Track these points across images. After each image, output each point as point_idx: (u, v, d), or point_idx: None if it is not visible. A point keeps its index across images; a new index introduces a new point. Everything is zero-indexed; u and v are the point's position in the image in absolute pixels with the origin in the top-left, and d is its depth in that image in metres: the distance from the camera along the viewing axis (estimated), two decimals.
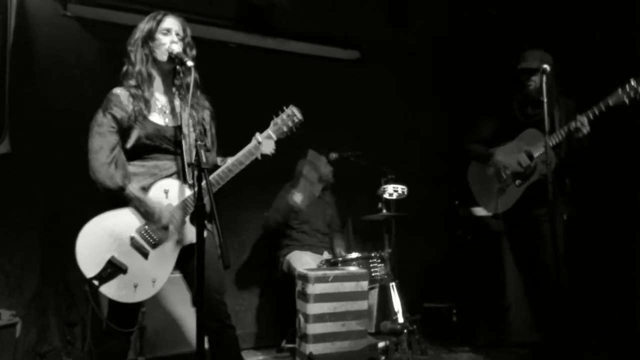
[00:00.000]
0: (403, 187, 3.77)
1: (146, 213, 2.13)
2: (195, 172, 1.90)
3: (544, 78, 2.70)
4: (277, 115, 2.26)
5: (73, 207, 3.17)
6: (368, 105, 4.49)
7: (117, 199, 2.13)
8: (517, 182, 3.12)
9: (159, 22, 2.21)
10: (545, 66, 2.74)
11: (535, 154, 3.03)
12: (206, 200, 1.91)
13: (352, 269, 3.35)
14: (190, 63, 2.06)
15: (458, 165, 3.59)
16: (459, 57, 4.75)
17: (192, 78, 2.01)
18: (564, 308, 2.89)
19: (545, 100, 2.65)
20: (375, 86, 4.53)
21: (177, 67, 2.16)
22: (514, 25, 4.41)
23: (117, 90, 2.19)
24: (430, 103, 4.65)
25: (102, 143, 2.13)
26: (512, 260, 3.62)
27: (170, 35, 2.20)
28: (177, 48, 2.16)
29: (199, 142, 1.92)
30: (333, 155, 3.87)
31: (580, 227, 3.53)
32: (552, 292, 2.94)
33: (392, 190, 3.75)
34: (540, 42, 3.19)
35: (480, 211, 4.10)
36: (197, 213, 1.90)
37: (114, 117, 2.15)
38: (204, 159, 1.89)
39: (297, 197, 3.64)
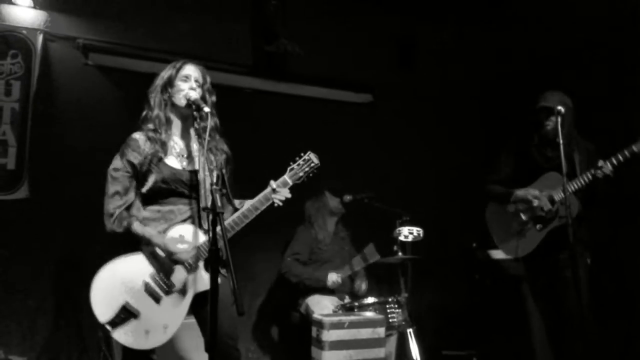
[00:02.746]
0: (418, 229, 3.72)
1: (155, 246, 2.12)
2: (210, 217, 1.90)
3: (559, 119, 2.69)
4: (294, 161, 2.28)
5: (88, 252, 3.17)
6: (382, 147, 4.52)
7: (129, 241, 2.14)
8: (538, 226, 3.06)
9: (178, 70, 2.28)
10: (560, 108, 2.74)
11: (557, 198, 2.98)
12: (221, 245, 1.90)
13: (369, 314, 3.26)
14: (207, 109, 2.10)
15: (474, 207, 3.55)
16: (470, 98, 4.79)
17: (209, 123, 2.05)
18: (588, 354, 2.77)
19: (561, 142, 2.64)
20: (389, 128, 4.57)
21: (195, 112, 2.20)
22: (525, 67, 4.45)
23: (136, 135, 2.24)
24: (444, 144, 4.67)
25: (117, 188, 2.17)
26: (533, 305, 3.51)
27: (189, 82, 2.26)
28: (194, 94, 2.21)
29: (214, 187, 1.93)
30: (347, 198, 3.85)
31: (604, 271, 3.43)
32: (576, 337, 2.82)
33: (408, 233, 3.70)
34: (551, 83, 3.20)
35: (498, 254, 4.02)
36: (212, 258, 1.89)
37: (130, 162, 2.19)
38: (219, 204, 1.90)
39: (333, 278, 3.62)
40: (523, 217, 3.10)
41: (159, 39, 3.83)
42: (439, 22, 4.78)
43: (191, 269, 2.15)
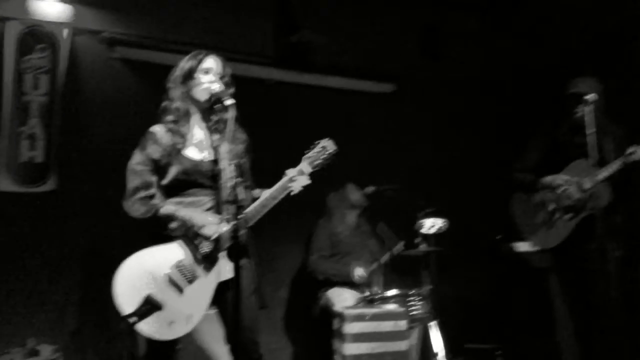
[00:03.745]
0: (442, 221, 3.68)
1: (184, 223, 2.13)
2: (232, 209, 1.91)
3: (589, 107, 2.63)
4: (310, 149, 2.26)
5: (114, 243, 3.23)
6: (405, 137, 4.47)
7: (156, 225, 2.15)
8: (568, 216, 2.99)
9: (199, 62, 2.26)
10: (589, 96, 2.66)
11: (587, 186, 2.90)
12: (242, 236, 1.91)
13: (390, 307, 3.26)
14: (229, 101, 2.10)
15: (499, 198, 3.49)
16: (495, 87, 4.69)
17: (231, 116, 2.05)
18: (616, 349, 2.71)
19: (591, 130, 2.57)
20: (411, 118, 4.52)
21: (216, 105, 2.20)
22: (550, 55, 4.34)
23: (155, 128, 2.25)
24: (467, 134, 4.60)
25: (138, 181, 2.18)
26: (559, 298, 3.45)
27: (209, 74, 2.25)
28: (216, 87, 2.20)
29: (237, 179, 1.93)
30: (370, 189, 3.83)
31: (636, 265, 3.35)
32: (604, 332, 2.77)
33: (431, 225, 3.66)
34: (580, 72, 3.11)
35: (522, 246, 3.95)
36: (234, 250, 1.90)
37: (151, 156, 2.20)
38: (241, 196, 1.90)
39: (360, 272, 3.59)
40: (551, 206, 3.03)
41: (182, 31, 3.85)
42: (464, 10, 4.69)
43: (212, 257, 2.15)
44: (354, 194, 3.88)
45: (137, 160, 2.21)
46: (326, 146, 2.25)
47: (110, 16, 3.72)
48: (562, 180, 2.98)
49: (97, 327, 3.47)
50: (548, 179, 3.03)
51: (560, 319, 3.68)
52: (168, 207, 2.17)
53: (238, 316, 1.83)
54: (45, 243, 3.41)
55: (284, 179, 2.21)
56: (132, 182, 2.19)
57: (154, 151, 2.20)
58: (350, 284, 3.66)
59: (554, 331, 3.73)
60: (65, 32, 3.59)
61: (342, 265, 3.70)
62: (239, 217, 1.89)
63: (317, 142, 2.27)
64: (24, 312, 3.33)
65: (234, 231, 1.89)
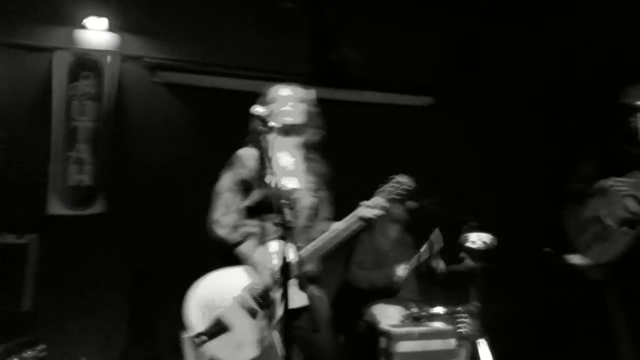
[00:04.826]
0: (487, 234, 3.57)
1: (254, 267, 2.17)
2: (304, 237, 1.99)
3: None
4: (385, 184, 2.30)
5: (162, 264, 3.28)
6: (445, 151, 4.39)
7: (229, 253, 2.20)
8: (624, 229, 2.85)
9: (275, 91, 2.38)
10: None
11: None
12: (312, 264, 1.93)
13: (438, 325, 3.16)
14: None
15: (546, 209, 3.36)
16: (535, 97, 4.57)
17: (304, 142, 2.21)
18: None
19: None
20: (451, 131, 4.44)
21: (292, 133, 2.30)
22: (593, 66, 4.19)
23: (243, 152, 2.33)
24: (509, 146, 4.48)
25: (226, 200, 2.25)
26: (618, 313, 3.26)
27: (285, 103, 2.34)
28: (289, 118, 2.30)
29: (310, 207, 1.95)
30: (411, 204, 3.76)
31: None
32: None
33: (476, 239, 3.55)
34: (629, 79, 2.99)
35: (575, 259, 3.78)
36: (303, 277, 1.92)
37: (240, 176, 2.27)
38: (315, 226, 1.94)
39: (402, 272, 3.52)
40: (606, 221, 2.90)
41: (221, 54, 3.91)
42: (499, 19, 4.60)
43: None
44: (395, 208, 3.82)
45: (225, 180, 2.29)
46: (402, 181, 2.27)
47: (152, 42, 3.84)
48: (619, 182, 2.85)
49: (146, 347, 3.50)
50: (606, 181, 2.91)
51: (621, 336, 3.48)
52: (248, 246, 2.20)
53: (313, 341, 1.85)
54: (94, 265, 3.50)
55: (356, 211, 2.24)
56: (220, 200, 2.24)
57: (242, 172, 2.27)
58: (393, 296, 3.58)
59: (612, 347, 3.53)
60: (110, 60, 3.71)
61: (384, 270, 3.62)
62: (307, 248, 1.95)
63: (391, 176, 2.29)
64: (75, 332, 3.42)
65: (302, 262, 1.90)
